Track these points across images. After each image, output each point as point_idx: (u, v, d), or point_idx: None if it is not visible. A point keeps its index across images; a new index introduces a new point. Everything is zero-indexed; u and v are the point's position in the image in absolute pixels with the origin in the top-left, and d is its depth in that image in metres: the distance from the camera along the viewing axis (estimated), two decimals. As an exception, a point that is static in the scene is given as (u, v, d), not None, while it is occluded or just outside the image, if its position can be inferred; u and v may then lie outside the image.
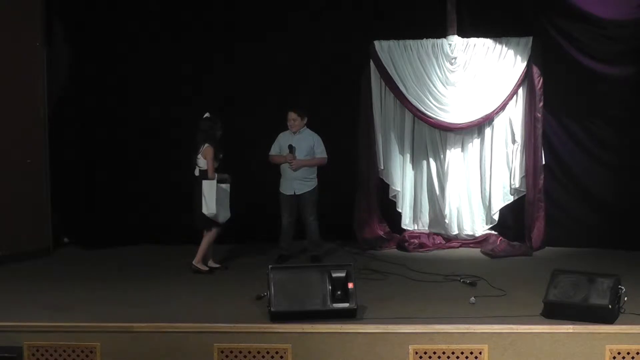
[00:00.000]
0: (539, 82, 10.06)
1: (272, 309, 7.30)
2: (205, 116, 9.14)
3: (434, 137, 10.46)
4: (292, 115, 9.46)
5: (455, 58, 10.21)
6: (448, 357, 7.00)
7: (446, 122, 10.25)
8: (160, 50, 10.39)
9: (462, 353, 6.99)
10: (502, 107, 10.25)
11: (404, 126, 10.50)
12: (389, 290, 8.42)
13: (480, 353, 6.97)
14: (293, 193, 9.48)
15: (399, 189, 10.53)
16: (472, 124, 10.27)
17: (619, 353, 6.91)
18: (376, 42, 10.29)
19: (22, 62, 9.88)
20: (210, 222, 9.05)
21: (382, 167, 10.47)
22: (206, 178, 8.95)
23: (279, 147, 9.59)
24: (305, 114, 9.51)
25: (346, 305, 7.33)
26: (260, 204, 10.21)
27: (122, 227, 10.50)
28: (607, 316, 7.09)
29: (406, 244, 10.28)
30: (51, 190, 10.29)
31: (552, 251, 10.08)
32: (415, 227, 10.61)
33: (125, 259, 9.97)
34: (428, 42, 10.26)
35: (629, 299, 7.32)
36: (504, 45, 10.15)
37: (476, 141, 10.45)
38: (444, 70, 10.24)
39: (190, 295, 8.28)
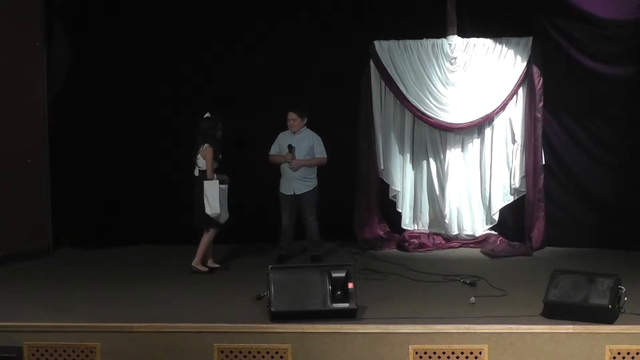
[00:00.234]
0: (539, 82, 10.06)
1: (272, 309, 7.30)
2: (205, 116, 9.14)
3: (434, 137, 10.46)
4: (292, 115, 9.46)
5: (455, 58, 10.21)
6: (448, 357, 7.00)
7: (446, 122, 10.25)
8: (160, 50, 10.39)
9: (462, 353, 6.99)
10: (502, 107, 10.25)
11: (404, 126, 10.50)
12: (389, 290, 8.42)
13: (480, 353, 6.97)
14: (293, 193, 9.48)
15: (399, 189, 10.53)
16: (472, 124, 10.27)
17: (619, 353, 6.92)
18: (376, 42, 10.29)
19: (22, 62, 9.89)
20: (209, 222, 9.05)
21: (382, 167, 10.47)
22: (206, 178, 8.95)
23: (278, 147, 9.59)
24: (305, 114, 9.51)
25: (346, 305, 7.33)
26: (260, 204, 10.21)
27: (122, 227, 10.50)
28: (607, 316, 7.09)
29: (406, 244, 10.28)
30: (51, 190, 10.29)
31: (552, 251, 10.08)
32: (415, 227, 10.62)
33: (125, 259, 9.97)
34: (428, 42, 10.26)
35: (629, 299, 7.31)
36: (504, 45, 10.15)
37: (476, 141, 10.45)
38: (444, 70, 10.24)
39: (190, 295, 8.28)
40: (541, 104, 10.07)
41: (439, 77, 10.26)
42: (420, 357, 7.00)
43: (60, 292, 8.43)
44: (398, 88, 10.29)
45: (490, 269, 9.23)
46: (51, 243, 10.28)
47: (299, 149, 9.43)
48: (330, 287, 7.39)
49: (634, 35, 9.72)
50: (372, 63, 10.33)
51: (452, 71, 10.24)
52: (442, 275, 8.92)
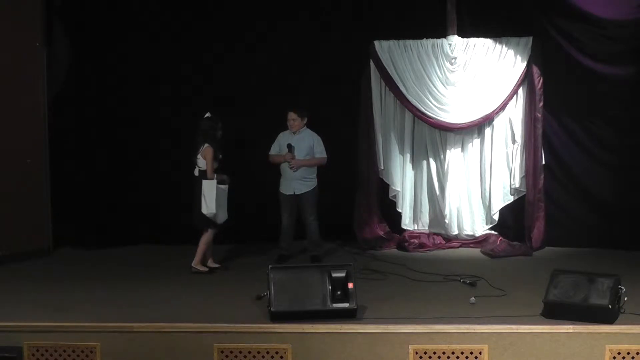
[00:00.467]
0: (539, 82, 10.06)
1: (272, 309, 7.30)
2: (205, 116, 9.14)
3: (434, 137, 10.46)
4: (292, 115, 9.46)
5: (455, 58, 10.21)
6: (448, 357, 7.00)
7: (446, 122, 10.25)
8: (160, 50, 10.39)
9: (462, 353, 6.99)
10: (502, 107, 10.25)
11: (404, 126, 10.50)
12: (389, 290, 8.42)
13: (480, 353, 6.97)
14: (293, 193, 9.48)
15: (399, 189, 10.53)
16: (472, 124, 10.27)
17: (619, 353, 6.92)
18: (376, 42, 10.29)
19: (22, 62, 9.88)
20: (208, 222, 9.05)
21: (382, 167, 10.47)
22: (206, 178, 8.95)
23: (278, 147, 9.59)
24: (305, 114, 9.51)
25: (346, 305, 7.33)
26: (260, 204, 10.21)
27: (122, 227, 10.50)
28: (607, 316, 7.09)
29: (406, 244, 10.28)
30: (51, 190, 10.29)
31: (552, 251, 10.08)
32: (415, 227, 10.62)
33: (125, 259, 9.97)
34: (428, 42, 10.26)
35: (629, 299, 7.31)
36: (504, 45, 10.15)
37: (476, 141, 10.45)
38: (444, 70, 10.24)
39: (190, 295, 8.28)
40: (541, 104, 10.07)
41: (439, 77, 10.25)
42: (420, 357, 7.00)
43: (60, 292, 8.43)
44: (398, 88, 10.29)
45: (490, 269, 9.23)
46: (51, 243, 10.28)
47: (299, 149, 9.43)
48: (330, 287, 7.39)
49: (634, 35, 9.72)
50: (372, 63, 10.33)
51: (452, 71, 10.24)
52: (442, 275, 8.92)
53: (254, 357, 7.08)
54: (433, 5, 10.18)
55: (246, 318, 7.43)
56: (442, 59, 10.23)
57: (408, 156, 10.54)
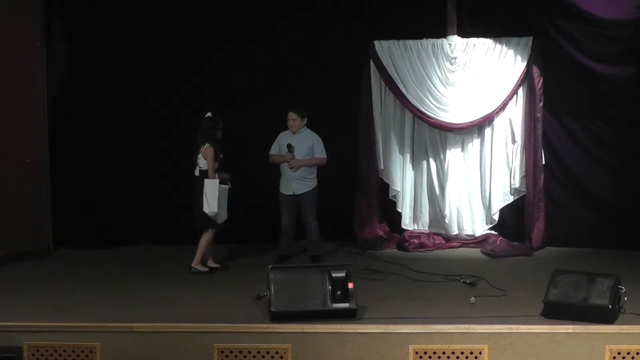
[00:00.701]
0: (539, 82, 10.06)
1: (272, 309, 7.30)
2: (206, 116, 9.14)
3: (434, 137, 10.47)
4: (292, 115, 9.46)
5: (455, 58, 10.22)
6: (448, 357, 7.00)
7: (446, 122, 10.25)
8: (160, 51, 10.38)
9: (462, 353, 6.99)
10: (502, 107, 10.26)
11: (404, 126, 10.51)
12: (389, 290, 8.42)
13: (480, 353, 6.97)
14: (293, 193, 9.48)
15: (399, 189, 10.53)
16: (472, 124, 10.28)
17: (619, 353, 6.91)
18: (376, 42, 10.30)
19: (22, 62, 9.88)
20: (208, 222, 9.05)
21: (382, 167, 10.47)
22: (207, 178, 8.94)
23: (278, 146, 9.59)
24: (305, 114, 9.51)
25: (346, 305, 7.33)
26: (260, 204, 10.21)
27: (122, 227, 10.50)
28: (607, 316, 7.09)
29: (406, 244, 10.28)
30: (51, 190, 10.29)
31: (552, 251, 10.08)
32: (415, 227, 10.62)
33: (125, 259, 9.98)
34: (428, 42, 10.26)
35: (629, 299, 7.31)
36: (504, 45, 10.15)
37: (476, 141, 10.45)
38: (444, 70, 10.24)
39: (190, 295, 8.28)
40: (541, 104, 10.08)
41: (439, 77, 10.26)
42: (420, 357, 7.00)
43: (60, 292, 8.43)
44: (398, 88, 10.29)
45: (490, 269, 9.23)
46: (51, 243, 10.28)
47: (299, 149, 9.43)
48: (330, 287, 7.39)
49: (634, 35, 9.72)
50: (372, 63, 10.34)
51: (452, 71, 10.24)
52: (442, 275, 8.92)
53: (254, 357, 7.08)
54: (433, 5, 10.18)
55: (246, 318, 7.43)
56: (442, 59, 10.23)
57: (408, 156, 10.55)
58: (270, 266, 7.60)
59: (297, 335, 7.09)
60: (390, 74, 10.28)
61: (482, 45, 10.20)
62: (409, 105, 10.30)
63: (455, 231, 10.45)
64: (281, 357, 7.06)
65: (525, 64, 10.10)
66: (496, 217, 10.42)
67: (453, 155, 10.41)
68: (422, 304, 7.80)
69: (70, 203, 10.43)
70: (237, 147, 9.78)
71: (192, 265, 9.11)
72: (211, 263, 9.28)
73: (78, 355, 7.17)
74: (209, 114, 9.14)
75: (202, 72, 10.46)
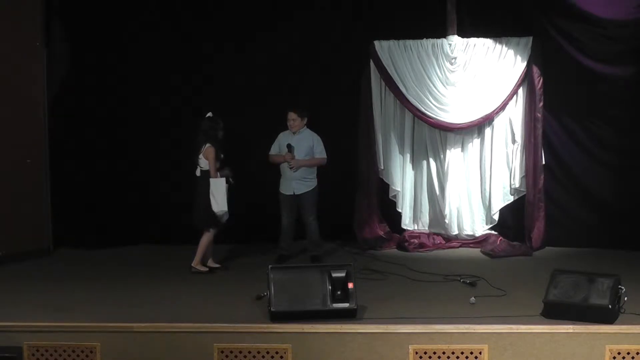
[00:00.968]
0: (539, 82, 10.06)
1: (272, 309, 7.30)
2: (206, 116, 9.14)
3: (434, 137, 10.46)
4: (292, 115, 9.46)
5: (455, 58, 10.22)
6: (448, 357, 7.00)
7: (446, 122, 10.25)
8: (160, 51, 10.38)
9: (462, 353, 6.99)
10: (502, 107, 10.25)
11: (404, 126, 10.51)
12: (389, 290, 8.42)
13: (480, 353, 6.97)
14: (293, 193, 9.48)
15: (399, 189, 10.53)
16: (472, 124, 10.28)
17: (619, 353, 6.92)
18: (376, 42, 10.29)
19: (22, 62, 9.88)
20: (209, 222, 9.05)
21: (382, 167, 10.47)
22: (208, 178, 8.94)
23: (278, 146, 9.59)
24: (305, 114, 9.51)
25: (346, 305, 7.33)
26: (260, 204, 10.21)
27: (122, 227, 10.50)
28: (607, 316, 7.09)
29: (406, 244, 10.28)
30: (51, 190, 10.29)
31: (552, 251, 10.08)
32: (415, 227, 10.62)
33: (125, 259, 9.98)
34: (428, 42, 10.26)
35: (629, 299, 7.31)
36: (504, 45, 10.15)
37: (476, 141, 10.45)
38: (444, 70, 10.24)
39: (190, 295, 8.28)
40: (541, 104, 10.08)
41: (439, 77, 10.26)
42: (420, 357, 7.00)
43: (60, 292, 8.43)
44: (398, 88, 10.29)
45: (490, 269, 9.23)
46: (51, 243, 10.28)
47: (299, 149, 9.43)
48: (330, 287, 7.39)
49: (634, 35, 9.72)
50: (372, 63, 10.34)
51: (452, 71, 10.24)
52: (442, 275, 8.92)
53: (254, 357, 7.08)
54: (433, 5, 10.18)
55: (246, 318, 7.43)
56: (442, 59, 10.23)
57: (408, 156, 10.55)
58: (270, 266, 7.60)
59: (297, 335, 7.09)
60: (390, 74, 10.28)
61: (482, 45, 10.20)
62: (409, 105, 10.30)
63: (455, 231, 10.45)
64: (281, 357, 7.06)
65: (525, 64, 10.10)
66: (496, 217, 10.42)
67: (453, 155, 10.41)
68: (422, 304, 7.80)
69: (70, 203, 10.43)
70: (237, 147, 9.78)
71: (192, 265, 9.11)
72: (211, 263, 9.28)
73: (78, 355, 7.17)
74: (209, 114, 9.14)
75: (202, 72, 10.46)
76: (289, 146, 9.39)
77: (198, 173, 9.08)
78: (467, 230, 10.46)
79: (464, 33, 10.22)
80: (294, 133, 9.51)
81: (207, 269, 9.17)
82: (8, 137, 9.74)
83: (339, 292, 7.37)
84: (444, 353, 7.00)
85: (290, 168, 9.39)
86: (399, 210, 10.58)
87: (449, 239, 10.45)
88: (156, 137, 10.49)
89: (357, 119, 10.42)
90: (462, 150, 10.45)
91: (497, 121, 10.34)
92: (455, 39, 10.19)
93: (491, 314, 7.40)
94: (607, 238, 10.04)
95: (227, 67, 10.42)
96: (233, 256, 9.88)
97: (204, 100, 10.05)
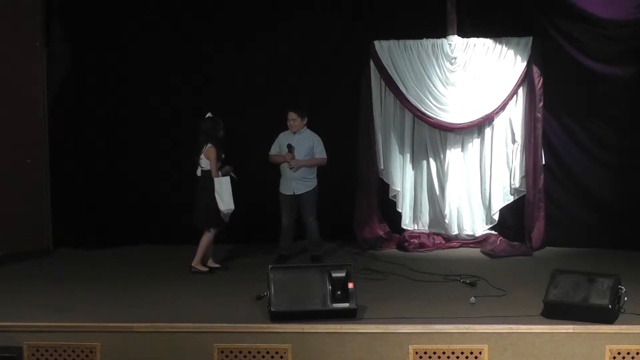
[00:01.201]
0: (539, 82, 10.06)
1: (272, 309, 7.30)
2: (207, 116, 9.14)
3: (434, 137, 10.47)
4: (292, 115, 9.46)
5: (455, 58, 10.22)
6: (448, 357, 7.00)
7: (446, 122, 10.25)
8: (160, 51, 10.38)
9: (462, 353, 6.99)
10: (502, 107, 10.26)
11: (404, 126, 10.51)
12: (389, 290, 8.42)
13: (480, 353, 6.97)
14: (293, 193, 9.48)
15: (399, 189, 10.53)
16: (472, 124, 10.28)
17: (619, 353, 6.92)
18: (376, 42, 10.29)
19: (22, 62, 9.88)
20: (209, 222, 9.05)
21: (382, 167, 10.47)
22: (209, 177, 8.94)
23: (278, 147, 9.59)
24: (305, 114, 9.51)
25: (346, 305, 7.33)
26: (260, 204, 10.20)
27: (122, 227, 10.50)
28: (607, 316, 7.09)
29: (406, 244, 10.28)
30: (51, 190, 10.29)
31: (552, 251, 10.08)
32: (415, 227, 10.62)
33: (125, 259, 9.98)
34: (428, 42, 10.26)
35: (629, 299, 7.31)
36: (504, 45, 10.15)
37: (476, 141, 10.45)
38: (444, 70, 10.24)
39: (190, 295, 8.28)
40: (541, 104, 10.08)
41: (439, 77, 10.26)
42: (420, 357, 7.00)
43: (60, 292, 8.43)
44: (398, 88, 10.29)
45: (490, 269, 9.23)
46: (51, 243, 10.28)
47: (299, 149, 9.43)
48: (330, 287, 7.39)
49: (634, 35, 9.72)
50: (372, 63, 10.34)
51: (452, 71, 10.24)
52: (442, 275, 8.92)
53: (254, 357, 7.08)
54: (433, 5, 10.18)
55: (246, 318, 7.43)
56: (442, 59, 10.23)
57: (408, 156, 10.55)
58: (270, 266, 7.60)
59: (297, 335, 7.09)
60: (390, 74, 10.28)
61: (482, 45, 10.20)
62: (409, 105, 10.30)
63: (455, 231, 10.45)
64: (281, 357, 7.06)
65: (525, 64, 10.10)
66: (496, 217, 10.42)
67: (453, 155, 10.41)
68: (422, 304, 7.80)
69: (70, 203, 10.43)
70: (237, 147, 9.78)
71: (192, 265, 9.11)
72: (211, 263, 9.29)
73: (78, 355, 7.17)
74: (209, 114, 9.14)
75: (202, 72, 10.46)
76: (289, 146, 9.39)
77: (199, 173, 9.08)
78: (467, 230, 10.46)
79: (464, 33, 10.22)
80: (294, 133, 9.51)
81: (207, 269, 9.17)
82: (8, 137, 9.74)
83: (339, 292, 7.37)
84: (444, 353, 7.00)
85: (291, 168, 9.39)
86: (399, 210, 10.58)
87: (449, 239, 10.45)
88: (156, 137, 10.49)
89: (357, 119, 10.42)
90: (462, 150, 10.45)
91: (497, 121, 10.34)
92: (455, 39, 10.19)
93: (491, 314, 7.40)
94: (607, 238, 10.04)
95: (227, 67, 10.42)
96: (233, 256, 9.88)
97: (204, 100, 10.05)
